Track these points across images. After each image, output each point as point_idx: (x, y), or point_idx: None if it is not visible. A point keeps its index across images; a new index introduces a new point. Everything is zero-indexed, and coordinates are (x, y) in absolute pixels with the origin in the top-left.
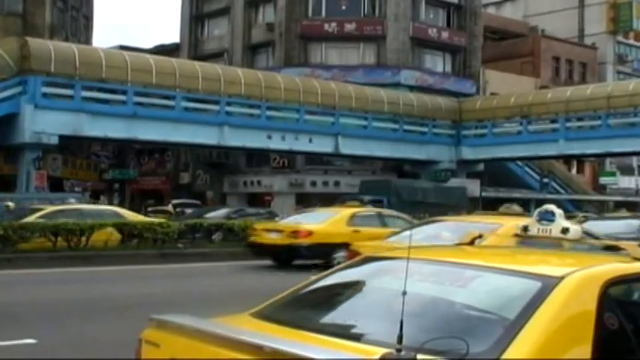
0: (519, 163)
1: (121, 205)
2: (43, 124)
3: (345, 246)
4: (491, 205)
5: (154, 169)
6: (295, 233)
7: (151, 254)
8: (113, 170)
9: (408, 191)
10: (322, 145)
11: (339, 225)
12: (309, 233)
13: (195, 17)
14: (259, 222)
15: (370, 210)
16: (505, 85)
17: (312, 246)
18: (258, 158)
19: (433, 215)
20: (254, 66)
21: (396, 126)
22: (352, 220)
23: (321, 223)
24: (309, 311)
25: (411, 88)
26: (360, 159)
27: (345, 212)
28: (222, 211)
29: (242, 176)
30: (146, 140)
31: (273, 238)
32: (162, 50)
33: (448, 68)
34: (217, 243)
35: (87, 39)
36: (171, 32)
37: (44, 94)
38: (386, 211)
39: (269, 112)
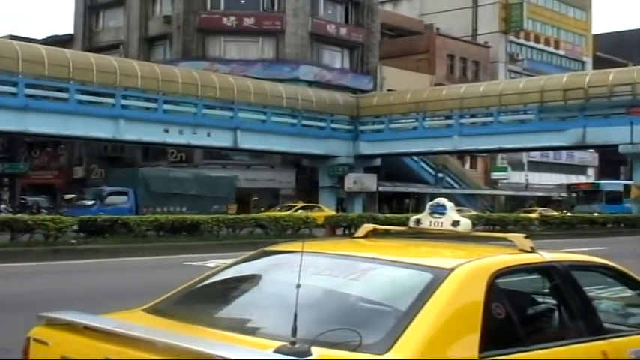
0: (415, 158)
1: (11, 200)
2: None
3: None
4: (387, 200)
5: (46, 163)
6: None
7: (42, 251)
8: (2, 164)
9: (160, 182)
10: (221, 139)
11: None
12: None
13: (90, 8)
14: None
15: None
16: (401, 82)
17: None
18: (155, 152)
19: (192, 209)
20: (151, 59)
21: (294, 121)
22: None
23: None
24: (204, 305)
25: (310, 83)
26: (259, 153)
27: None
28: None
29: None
30: (38, 133)
31: None
32: (55, 41)
33: (346, 64)
34: (110, 239)
35: None
36: (64, 23)
37: None
38: None
39: (166, 106)
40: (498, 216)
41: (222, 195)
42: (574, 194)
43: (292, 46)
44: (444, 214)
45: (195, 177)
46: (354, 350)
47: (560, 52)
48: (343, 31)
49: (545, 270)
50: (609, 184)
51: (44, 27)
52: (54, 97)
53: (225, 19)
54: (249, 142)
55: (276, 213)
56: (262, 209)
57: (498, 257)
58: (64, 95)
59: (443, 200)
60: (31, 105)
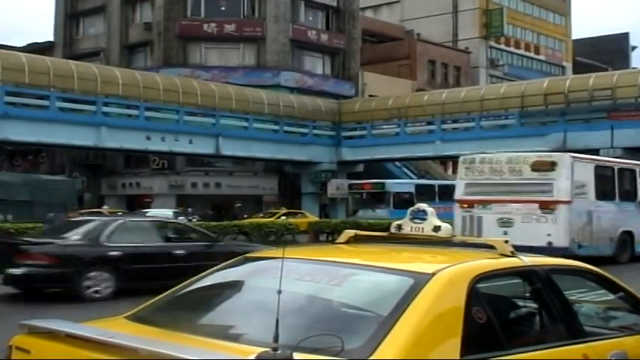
0: (397, 163)
1: None
2: None
3: None
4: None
5: (27, 170)
6: None
7: None
8: None
9: None
10: (203, 146)
11: None
12: None
13: (71, 15)
14: None
15: None
16: (383, 88)
17: None
18: (136, 159)
19: (20, 217)
20: (132, 66)
21: (276, 127)
22: None
23: None
24: (186, 312)
25: (291, 89)
26: (241, 160)
27: None
28: None
29: (120, 178)
30: (18, 141)
31: None
32: (35, 49)
33: (327, 70)
34: None
35: None
36: (44, 30)
37: None
38: None
39: (148, 113)
40: None
41: (60, 201)
42: (357, 196)
43: (273, 53)
44: (424, 219)
45: (26, 181)
46: (336, 356)
47: (541, 57)
48: (324, 37)
49: (525, 274)
50: (398, 185)
51: (24, 34)
52: (34, 104)
53: (205, 26)
54: (231, 148)
55: (259, 219)
56: (245, 216)
57: (479, 262)
58: (45, 103)
59: (423, 205)
60: (11, 113)
